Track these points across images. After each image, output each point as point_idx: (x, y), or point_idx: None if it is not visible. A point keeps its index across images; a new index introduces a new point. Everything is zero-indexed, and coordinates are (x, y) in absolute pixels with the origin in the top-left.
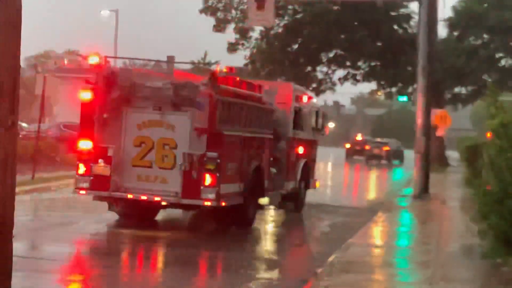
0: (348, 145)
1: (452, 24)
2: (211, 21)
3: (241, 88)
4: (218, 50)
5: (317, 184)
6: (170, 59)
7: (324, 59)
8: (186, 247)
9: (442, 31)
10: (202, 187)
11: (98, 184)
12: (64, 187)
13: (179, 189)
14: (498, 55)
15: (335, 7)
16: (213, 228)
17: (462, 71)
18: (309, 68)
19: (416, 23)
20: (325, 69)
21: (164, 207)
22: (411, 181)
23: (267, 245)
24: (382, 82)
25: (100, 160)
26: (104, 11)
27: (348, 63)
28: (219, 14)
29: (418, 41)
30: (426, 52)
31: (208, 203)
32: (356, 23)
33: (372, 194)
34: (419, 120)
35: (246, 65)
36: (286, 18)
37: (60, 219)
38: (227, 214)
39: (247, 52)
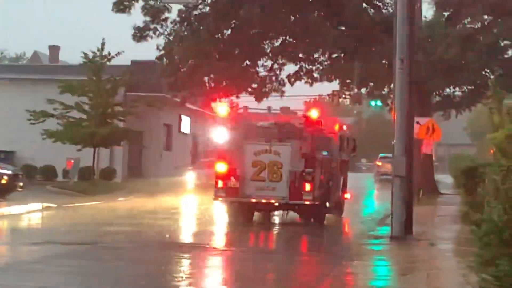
0: None
1: (441, 1)
2: None
3: (320, 125)
4: (122, 37)
5: (348, 195)
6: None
7: (268, 50)
8: (302, 226)
9: (427, 12)
10: (303, 192)
11: (230, 193)
12: None
13: (286, 194)
14: (503, 43)
15: None
16: (301, 222)
17: (454, 65)
18: (247, 62)
19: (392, 0)
20: (269, 63)
21: (275, 207)
22: (388, 216)
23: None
24: (348, 81)
25: (231, 177)
26: None
27: (300, 55)
28: None
29: (395, 24)
30: (405, 39)
31: (307, 203)
32: (311, 0)
33: (334, 234)
34: (398, 133)
35: (159, 58)
36: None
37: None
38: (310, 212)
39: (161, 41)
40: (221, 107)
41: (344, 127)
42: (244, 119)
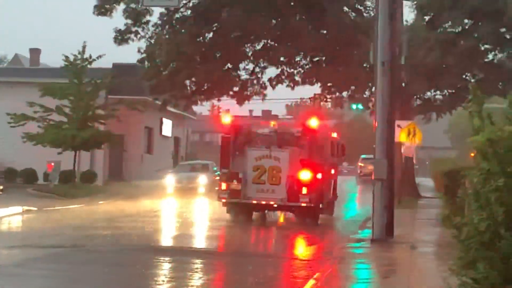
0: None
1: (422, 5)
2: (93, 0)
3: (316, 133)
4: (103, 39)
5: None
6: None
7: (250, 53)
8: (287, 228)
9: (408, 15)
10: (300, 195)
11: (233, 195)
12: None
13: (285, 196)
14: (483, 46)
15: None
16: (295, 221)
17: (435, 68)
18: (228, 66)
19: (373, 3)
20: (251, 66)
21: (273, 208)
22: (369, 219)
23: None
24: (329, 84)
25: (234, 180)
26: None
27: (282, 58)
28: None
29: (377, 28)
30: (387, 42)
31: (304, 204)
32: (292, 3)
33: (316, 237)
34: (379, 136)
35: (141, 61)
36: None
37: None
38: (306, 213)
39: (143, 44)
40: (225, 116)
41: (335, 134)
42: (246, 127)
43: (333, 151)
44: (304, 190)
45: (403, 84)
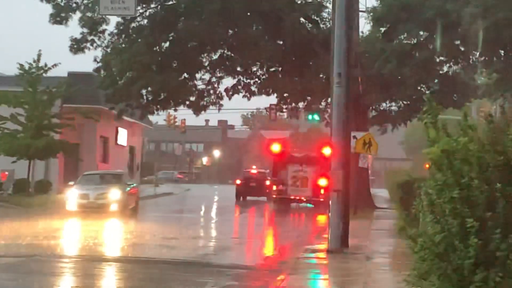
0: (239, 181)
1: (378, 17)
2: (49, 8)
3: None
4: (59, 48)
5: None
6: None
7: (206, 63)
8: (306, 212)
9: (364, 27)
10: (319, 194)
11: (281, 193)
12: None
13: (310, 194)
14: (438, 58)
15: None
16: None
17: (391, 80)
18: (185, 75)
19: (329, 14)
20: (207, 76)
21: (303, 201)
22: (324, 230)
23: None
24: (285, 95)
25: (281, 185)
26: None
27: (238, 69)
28: None
29: (333, 39)
30: (343, 53)
31: (321, 199)
32: (248, 14)
33: (271, 248)
34: (335, 147)
35: (97, 70)
36: (153, 5)
37: None
38: (320, 205)
39: (99, 53)
40: (275, 145)
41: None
42: (287, 152)
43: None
44: (322, 191)
45: (359, 95)
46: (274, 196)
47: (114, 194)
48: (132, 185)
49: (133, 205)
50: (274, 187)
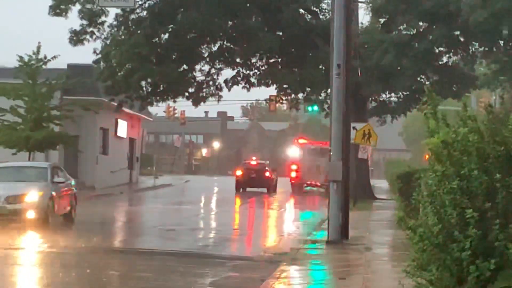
0: (239, 172)
1: (377, 8)
2: (48, 0)
3: None
4: (59, 40)
5: None
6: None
7: (206, 54)
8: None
9: (364, 18)
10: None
11: (297, 179)
12: None
13: (323, 180)
14: (438, 49)
15: None
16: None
17: (390, 71)
18: (184, 67)
19: (329, 5)
20: (206, 67)
21: (317, 186)
22: (324, 221)
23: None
24: (285, 86)
25: (298, 171)
26: None
27: (238, 60)
28: None
29: (332, 30)
30: (342, 44)
31: (327, 184)
32: (248, 5)
33: (272, 239)
34: (334, 138)
35: (96, 61)
36: None
37: None
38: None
39: (98, 44)
40: (301, 140)
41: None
42: (306, 145)
43: None
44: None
45: (359, 86)
46: (292, 181)
47: (32, 196)
48: (64, 183)
49: (65, 211)
50: (293, 173)
